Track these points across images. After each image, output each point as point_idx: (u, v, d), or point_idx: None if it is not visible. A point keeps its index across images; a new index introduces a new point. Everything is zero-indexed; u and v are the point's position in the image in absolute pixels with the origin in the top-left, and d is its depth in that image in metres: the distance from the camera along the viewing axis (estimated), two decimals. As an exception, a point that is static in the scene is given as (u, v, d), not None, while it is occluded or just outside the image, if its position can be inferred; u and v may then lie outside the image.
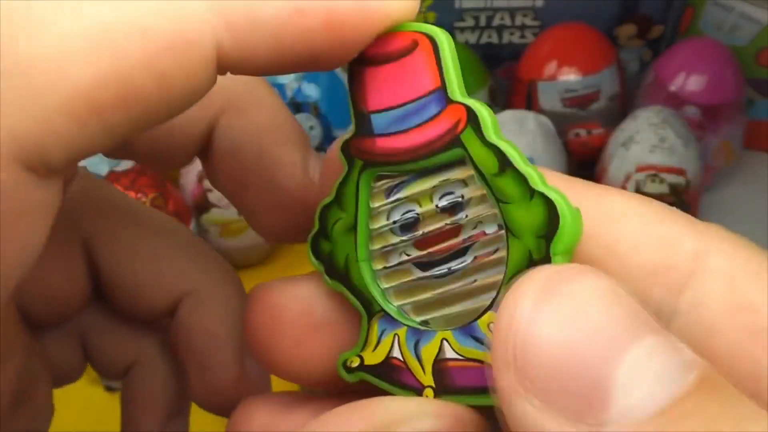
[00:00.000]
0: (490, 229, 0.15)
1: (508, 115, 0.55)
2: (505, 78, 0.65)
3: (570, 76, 0.58)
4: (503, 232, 0.15)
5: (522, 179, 0.14)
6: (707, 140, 0.58)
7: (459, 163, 0.15)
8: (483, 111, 0.14)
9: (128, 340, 0.23)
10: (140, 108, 0.13)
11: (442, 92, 0.15)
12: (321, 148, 0.58)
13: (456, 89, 0.15)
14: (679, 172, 0.52)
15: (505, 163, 0.14)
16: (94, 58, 0.12)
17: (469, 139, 0.15)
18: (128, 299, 0.21)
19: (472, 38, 0.64)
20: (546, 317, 0.11)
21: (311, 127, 0.59)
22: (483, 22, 0.62)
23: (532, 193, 0.14)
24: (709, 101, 0.57)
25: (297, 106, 0.59)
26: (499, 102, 0.62)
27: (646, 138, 0.53)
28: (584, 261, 0.13)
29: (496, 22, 0.62)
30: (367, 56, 0.15)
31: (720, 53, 0.58)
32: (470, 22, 0.63)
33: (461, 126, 0.15)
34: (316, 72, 0.58)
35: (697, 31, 0.63)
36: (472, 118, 0.15)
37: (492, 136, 0.14)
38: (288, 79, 0.58)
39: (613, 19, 0.62)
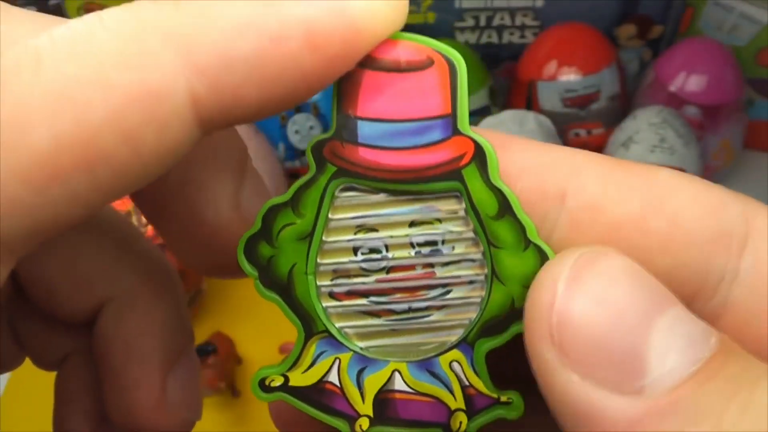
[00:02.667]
0: (466, 272, 0.15)
1: (508, 114, 0.55)
2: (505, 78, 0.64)
3: (570, 76, 0.58)
4: (480, 272, 0.14)
5: (520, 228, 0.14)
6: (707, 140, 0.58)
7: (448, 195, 0.14)
8: (491, 151, 0.14)
9: (60, 332, 0.20)
10: (108, 171, 0.12)
11: (450, 120, 0.14)
12: (321, 148, 0.58)
13: (466, 121, 0.14)
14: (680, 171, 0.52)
15: (505, 209, 0.14)
16: (54, 117, 0.11)
17: (471, 175, 0.14)
18: (43, 301, 0.19)
19: (472, 38, 0.64)
20: (580, 296, 0.12)
21: (311, 127, 0.59)
22: (483, 22, 0.62)
23: (527, 244, 0.14)
24: (709, 101, 0.57)
25: (297, 106, 0.59)
26: (499, 102, 0.62)
27: (646, 138, 0.53)
28: (653, 235, 0.14)
29: (496, 22, 0.62)
30: (369, 57, 0.14)
31: (720, 53, 0.58)
32: (470, 22, 0.62)
33: (465, 160, 0.14)
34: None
35: (697, 31, 0.63)
36: (479, 155, 0.14)
37: (497, 179, 0.14)
38: (288, 79, 0.58)
39: (613, 19, 0.62)
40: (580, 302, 0.12)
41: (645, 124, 0.54)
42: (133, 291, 0.19)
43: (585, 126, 0.59)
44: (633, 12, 0.62)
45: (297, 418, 0.17)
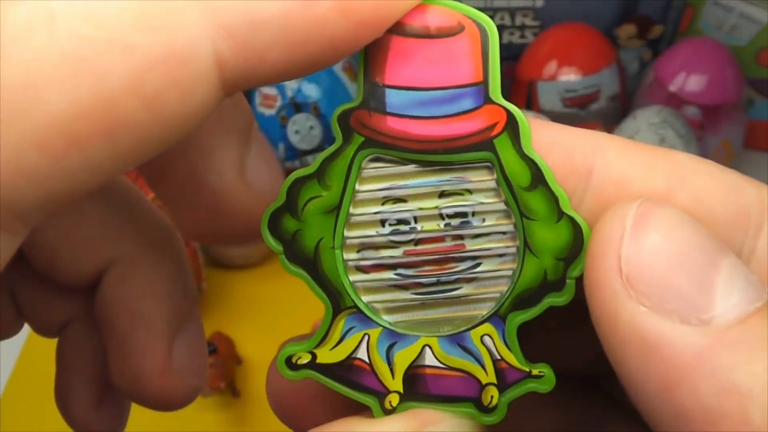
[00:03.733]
0: (496, 244, 0.14)
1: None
2: (505, 78, 0.65)
3: (570, 76, 0.58)
4: (512, 244, 0.14)
5: (553, 199, 0.14)
6: (707, 140, 0.58)
7: (479, 165, 0.14)
8: (523, 120, 0.14)
9: (61, 298, 0.20)
10: (129, 138, 0.11)
11: (482, 88, 0.14)
12: (321, 148, 0.58)
13: (497, 89, 0.14)
14: (679, 172, 0.52)
15: (538, 179, 0.14)
16: (71, 81, 0.10)
17: (503, 145, 0.14)
18: (44, 265, 0.18)
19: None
20: (649, 231, 0.12)
21: (311, 127, 0.59)
22: (483, 22, 0.62)
23: (561, 215, 0.14)
24: (709, 101, 0.57)
25: (297, 106, 0.59)
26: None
27: (646, 138, 0.53)
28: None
29: (496, 22, 0.62)
30: (397, 23, 0.13)
31: (720, 53, 0.58)
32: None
33: (497, 129, 0.14)
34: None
35: (697, 31, 0.63)
36: (512, 124, 0.14)
37: (529, 149, 0.14)
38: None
39: (613, 19, 0.62)
40: (649, 237, 0.12)
41: (645, 124, 0.54)
42: (136, 253, 0.19)
43: (585, 126, 0.59)
44: (633, 12, 0.62)
45: (297, 405, 0.17)
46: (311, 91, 0.58)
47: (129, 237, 0.19)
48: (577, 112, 0.59)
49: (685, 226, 0.12)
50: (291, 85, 0.59)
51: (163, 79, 0.11)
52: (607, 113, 0.59)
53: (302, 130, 0.59)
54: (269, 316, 0.54)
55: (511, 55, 0.64)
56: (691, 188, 0.14)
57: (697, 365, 0.11)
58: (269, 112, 0.60)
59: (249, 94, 0.62)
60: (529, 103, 0.60)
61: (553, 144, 0.14)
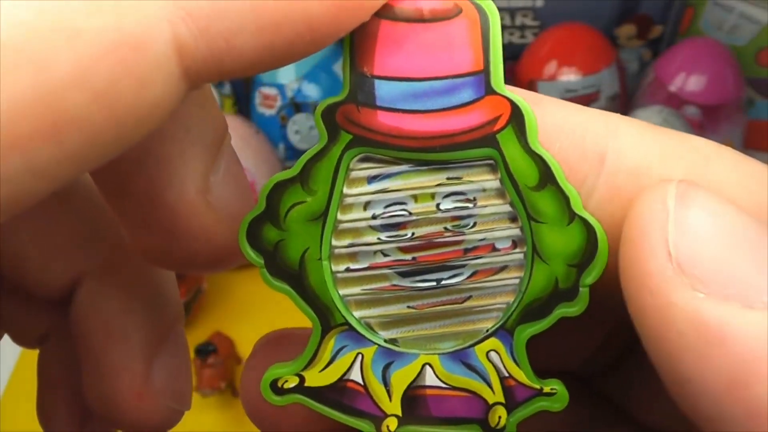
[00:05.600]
0: (501, 245, 0.13)
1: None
2: (505, 78, 0.64)
3: (570, 76, 0.58)
4: (518, 250, 0.13)
5: (563, 199, 0.12)
6: (707, 140, 0.58)
7: (481, 164, 0.13)
8: (529, 112, 0.12)
9: (39, 308, 0.18)
10: (78, 138, 0.10)
11: (482, 78, 0.12)
12: (321, 148, 0.58)
13: (500, 78, 0.12)
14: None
15: (547, 178, 0.12)
16: (8, 75, 0.09)
17: (507, 141, 0.12)
18: (13, 275, 0.17)
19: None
20: (695, 210, 0.11)
21: (311, 127, 0.59)
22: (483, 22, 0.62)
23: (572, 217, 0.12)
24: (709, 101, 0.57)
25: (297, 106, 0.59)
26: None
27: (646, 138, 0.53)
28: None
29: (496, 22, 0.62)
30: (386, 5, 0.12)
31: (720, 53, 0.58)
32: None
33: (501, 123, 0.12)
34: (316, 71, 0.58)
35: (697, 31, 0.63)
36: (517, 117, 0.12)
37: (536, 144, 0.12)
38: (288, 80, 0.58)
39: (613, 19, 0.62)
40: (698, 217, 0.11)
41: (645, 124, 0.54)
42: (113, 263, 0.17)
43: (585, 126, 0.59)
44: (633, 12, 0.62)
45: (277, 415, 0.16)
46: (311, 91, 0.58)
47: (103, 249, 0.17)
48: (577, 112, 0.59)
49: (729, 205, 0.11)
50: (291, 85, 0.59)
51: (114, 69, 0.10)
52: (607, 113, 0.59)
53: (302, 130, 0.59)
54: (269, 316, 0.54)
55: (511, 55, 0.64)
56: (713, 177, 0.13)
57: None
58: (269, 112, 0.60)
59: (249, 95, 0.62)
60: (529, 103, 0.60)
61: (562, 126, 0.13)
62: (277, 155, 0.60)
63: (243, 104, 0.63)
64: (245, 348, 0.52)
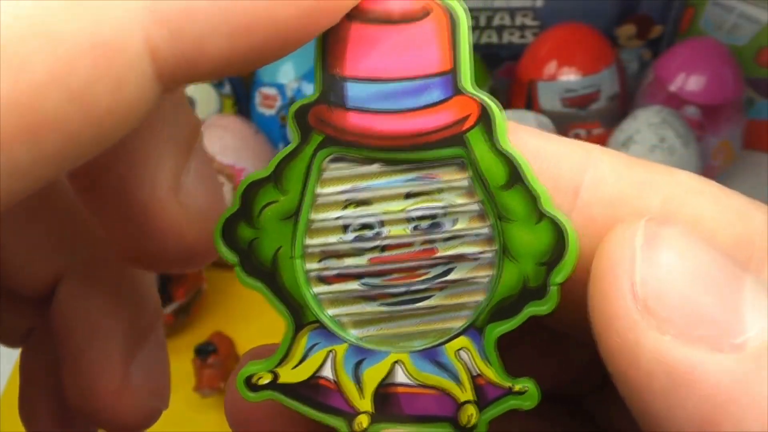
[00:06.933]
0: (470, 249, 0.13)
1: (508, 115, 0.55)
2: (505, 78, 0.64)
3: (570, 76, 0.58)
4: (487, 248, 0.13)
5: (531, 198, 0.13)
6: (707, 140, 0.58)
7: (450, 164, 0.13)
8: (498, 111, 0.13)
9: (21, 305, 0.18)
10: (55, 138, 0.10)
11: (450, 78, 0.13)
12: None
13: (469, 79, 0.13)
14: (679, 172, 0.52)
15: (515, 177, 0.13)
16: None
17: (475, 140, 0.13)
18: None
19: (472, 38, 0.64)
20: (663, 250, 0.11)
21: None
22: (483, 22, 0.62)
23: (541, 215, 0.13)
24: (709, 101, 0.57)
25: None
26: (499, 102, 0.62)
27: (645, 138, 0.53)
28: None
29: (496, 22, 0.62)
30: (356, 7, 0.12)
31: (720, 53, 0.58)
32: (470, 22, 0.63)
33: (469, 123, 0.13)
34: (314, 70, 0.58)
35: (697, 31, 0.63)
36: (485, 116, 0.13)
37: (505, 143, 0.13)
38: (288, 80, 0.58)
39: (613, 19, 0.62)
40: (664, 256, 0.11)
41: (645, 124, 0.54)
42: (92, 262, 0.17)
43: (585, 126, 0.59)
44: (633, 12, 0.62)
45: (252, 417, 0.16)
46: (311, 90, 0.58)
47: (83, 248, 0.17)
48: (577, 112, 0.59)
49: (699, 244, 0.11)
50: (291, 85, 0.59)
51: (90, 71, 0.10)
52: (606, 113, 0.59)
53: (302, 130, 0.59)
54: (269, 316, 0.54)
55: (511, 55, 0.64)
56: (691, 210, 0.12)
57: (739, 395, 0.10)
58: (269, 112, 0.60)
59: (249, 95, 0.62)
60: (529, 103, 0.60)
61: (536, 154, 0.13)
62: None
63: (243, 104, 0.63)
64: (245, 348, 0.52)
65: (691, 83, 0.57)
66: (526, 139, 0.13)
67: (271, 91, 0.59)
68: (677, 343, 0.11)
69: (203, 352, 0.49)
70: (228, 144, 0.56)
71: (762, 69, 0.62)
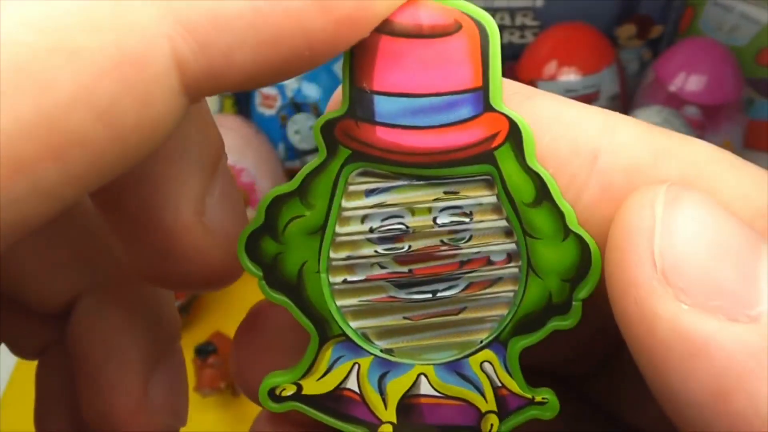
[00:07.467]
0: (496, 258, 0.13)
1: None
2: (505, 78, 0.64)
3: (570, 76, 0.58)
4: (512, 264, 0.13)
5: (559, 215, 0.13)
6: (707, 140, 0.57)
7: (478, 179, 0.13)
8: (528, 130, 0.13)
9: (38, 321, 0.18)
10: (82, 157, 0.10)
11: (481, 95, 0.12)
12: (321, 148, 0.58)
13: (499, 95, 0.13)
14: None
15: (543, 195, 0.13)
16: (10, 96, 0.09)
17: (505, 158, 0.13)
18: (12, 288, 0.17)
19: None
20: (683, 219, 0.11)
21: (311, 127, 0.59)
22: (483, 22, 0.62)
23: (567, 233, 0.13)
24: (709, 101, 0.57)
25: (297, 106, 0.59)
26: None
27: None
28: None
29: (496, 22, 0.62)
30: (386, 21, 0.12)
31: (720, 53, 0.58)
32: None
33: (499, 140, 0.13)
34: (317, 71, 0.59)
35: (697, 31, 0.63)
36: (515, 134, 0.12)
37: (533, 161, 0.13)
38: (288, 79, 0.58)
39: (613, 19, 0.62)
40: (685, 225, 0.11)
41: (645, 124, 0.54)
42: (111, 281, 0.17)
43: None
44: (633, 12, 0.62)
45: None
46: (311, 91, 0.58)
47: (103, 266, 0.17)
48: (577, 112, 0.59)
49: (719, 212, 0.11)
50: (291, 85, 0.59)
51: (116, 87, 0.10)
52: (607, 113, 0.59)
53: (302, 130, 0.59)
54: (269, 316, 0.54)
55: (511, 55, 0.64)
56: (709, 179, 0.12)
57: (753, 367, 0.10)
58: (269, 112, 0.60)
59: (248, 95, 0.62)
60: (529, 103, 0.60)
61: (555, 120, 0.13)
62: (277, 155, 0.60)
63: (243, 104, 0.63)
64: (245, 348, 0.52)
65: (692, 83, 0.57)
66: (545, 104, 0.13)
67: (271, 91, 0.60)
68: (694, 313, 0.10)
69: (203, 352, 0.49)
70: (228, 144, 0.55)
71: (762, 69, 0.62)
